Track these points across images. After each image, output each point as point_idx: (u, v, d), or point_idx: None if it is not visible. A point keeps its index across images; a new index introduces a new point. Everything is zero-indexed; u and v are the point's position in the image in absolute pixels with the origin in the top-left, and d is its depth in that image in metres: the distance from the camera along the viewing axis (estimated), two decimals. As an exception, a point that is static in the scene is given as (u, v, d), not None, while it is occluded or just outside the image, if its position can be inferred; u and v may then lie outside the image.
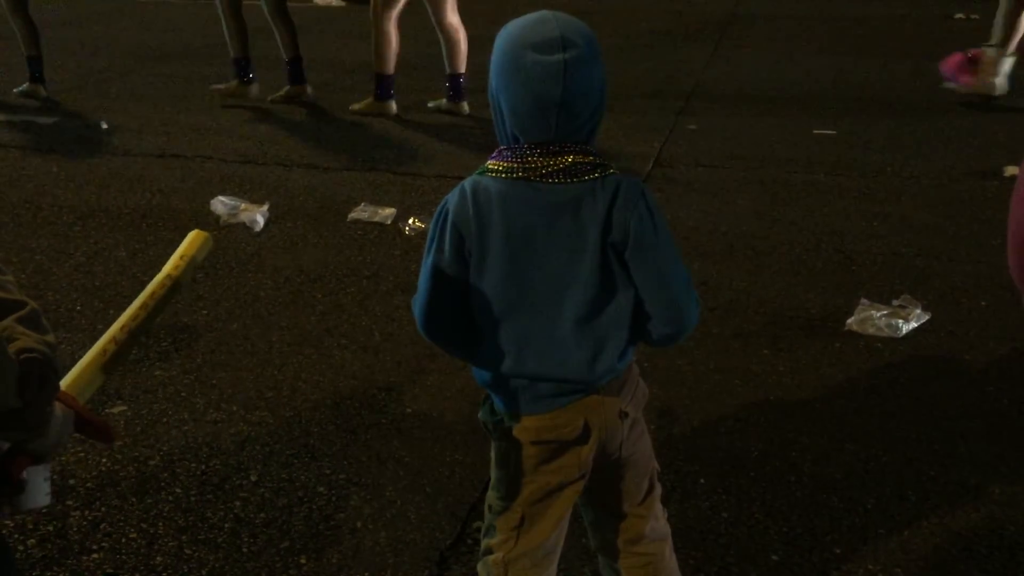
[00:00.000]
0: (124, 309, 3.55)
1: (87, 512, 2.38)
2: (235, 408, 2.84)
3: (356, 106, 5.76)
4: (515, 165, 1.53)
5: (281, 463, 2.58)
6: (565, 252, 1.55)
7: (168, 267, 1.91)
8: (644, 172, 4.72)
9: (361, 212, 4.22)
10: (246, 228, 4.09)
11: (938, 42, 7.34)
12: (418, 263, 3.77)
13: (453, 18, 5.56)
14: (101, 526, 2.34)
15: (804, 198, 4.42)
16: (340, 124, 5.58)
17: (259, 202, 4.29)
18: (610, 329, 1.60)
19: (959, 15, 8.14)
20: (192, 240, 2.01)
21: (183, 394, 2.91)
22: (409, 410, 2.83)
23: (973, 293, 3.51)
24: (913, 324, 3.26)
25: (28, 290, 3.59)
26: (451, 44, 5.60)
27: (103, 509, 2.40)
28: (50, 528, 2.32)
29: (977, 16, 8.06)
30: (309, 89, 5.96)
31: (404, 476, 2.53)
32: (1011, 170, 4.59)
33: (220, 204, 4.24)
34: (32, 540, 2.28)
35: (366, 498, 2.44)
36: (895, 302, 3.38)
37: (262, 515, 2.38)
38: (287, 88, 5.95)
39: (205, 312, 3.42)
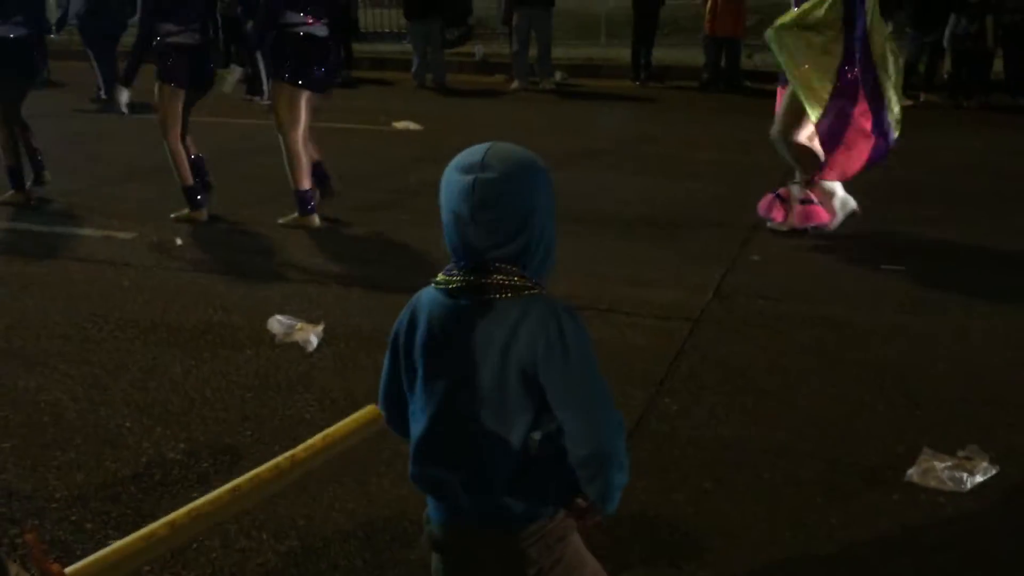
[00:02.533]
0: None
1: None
2: (265, 536, 2.80)
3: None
4: (443, 278, 1.66)
5: (303, 598, 2.52)
6: (470, 365, 1.63)
7: (300, 447, 1.72)
8: (703, 303, 4.66)
9: (415, 336, 4.22)
10: (299, 348, 4.13)
11: (1011, 182, 7.20)
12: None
13: (291, 137, 5.74)
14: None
15: (869, 336, 4.28)
16: (406, 246, 5.66)
17: (315, 321, 4.34)
18: (500, 450, 1.63)
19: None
20: (353, 418, 1.83)
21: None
22: (440, 547, 2.75)
23: (1045, 446, 3.32)
24: (979, 478, 3.08)
25: (82, 404, 3.66)
26: (288, 162, 5.82)
27: (120, 638, 2.35)
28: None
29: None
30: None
31: (427, 619, 2.44)
32: (1090, 314, 4.40)
33: (276, 323, 4.30)
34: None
35: (385, 641, 2.36)
36: (960, 453, 3.20)
37: (277, 654, 2.31)
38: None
39: (249, 433, 3.43)
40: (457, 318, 1.63)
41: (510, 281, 1.60)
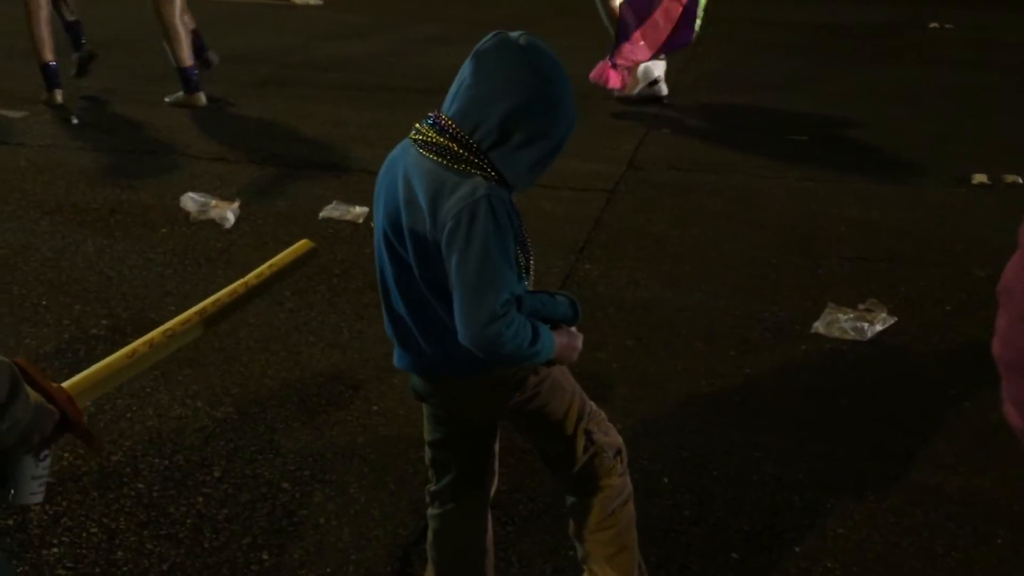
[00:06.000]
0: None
1: (48, 506, 2.36)
2: (200, 404, 2.83)
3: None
4: (415, 126, 1.67)
5: (245, 459, 2.58)
6: (407, 217, 1.63)
7: (251, 275, 1.82)
8: (618, 174, 4.74)
9: (332, 210, 4.21)
10: (216, 225, 4.07)
11: (913, 50, 7.43)
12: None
13: (168, 12, 5.56)
14: (62, 520, 2.32)
15: (774, 203, 4.46)
16: (315, 123, 5.56)
17: (230, 199, 4.27)
18: (446, 302, 1.64)
19: (933, 24, 8.23)
20: (292, 250, 1.92)
21: (148, 390, 2.89)
22: (375, 407, 2.83)
23: (938, 297, 3.56)
24: (879, 327, 3.30)
25: (-7, 284, 3.56)
26: (168, 39, 5.64)
27: (64, 503, 2.38)
28: (10, 522, 2.30)
29: (951, 25, 8.16)
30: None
31: (368, 473, 2.53)
32: (978, 178, 4.65)
33: (190, 200, 4.22)
34: (-10, 534, 2.27)
35: (330, 494, 2.44)
36: (861, 306, 3.41)
37: (225, 511, 2.37)
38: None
39: (172, 308, 3.39)
40: (409, 167, 1.64)
41: (457, 151, 1.58)
